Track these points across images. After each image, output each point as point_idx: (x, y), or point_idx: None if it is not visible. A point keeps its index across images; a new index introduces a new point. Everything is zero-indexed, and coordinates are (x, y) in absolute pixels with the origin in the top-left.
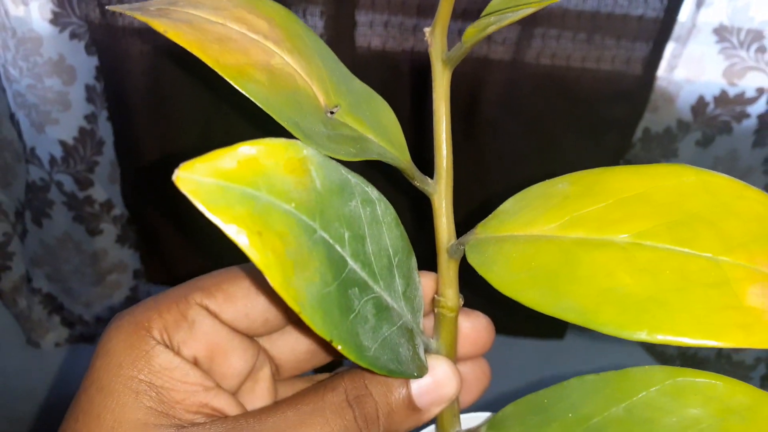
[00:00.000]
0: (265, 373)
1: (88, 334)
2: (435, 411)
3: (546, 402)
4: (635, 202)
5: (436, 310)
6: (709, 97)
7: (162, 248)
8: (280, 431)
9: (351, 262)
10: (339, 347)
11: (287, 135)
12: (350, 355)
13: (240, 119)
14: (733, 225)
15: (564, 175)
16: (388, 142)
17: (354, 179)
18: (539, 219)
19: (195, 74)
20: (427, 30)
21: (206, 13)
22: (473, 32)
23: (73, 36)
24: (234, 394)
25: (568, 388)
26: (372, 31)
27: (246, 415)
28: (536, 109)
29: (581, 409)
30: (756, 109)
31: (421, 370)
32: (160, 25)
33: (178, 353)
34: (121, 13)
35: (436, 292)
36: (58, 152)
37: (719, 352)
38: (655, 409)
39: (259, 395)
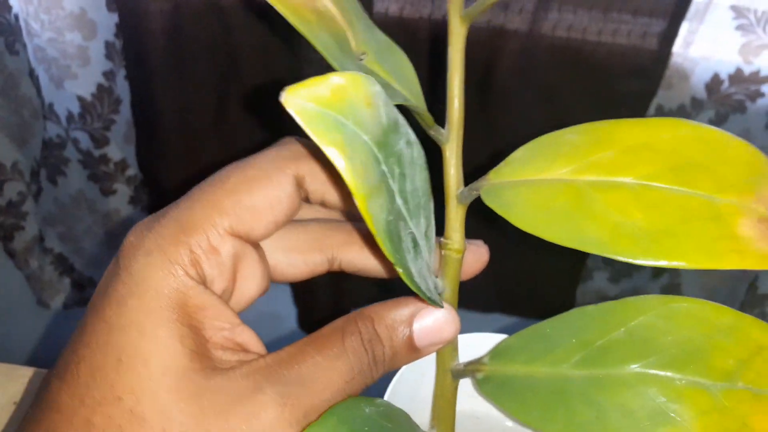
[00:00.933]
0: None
1: None
2: (433, 350)
3: (549, 331)
4: (639, 150)
5: (443, 252)
6: (724, 75)
7: None
8: (315, 377)
9: (397, 198)
10: (400, 270)
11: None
12: (406, 279)
13: (255, 81)
14: (724, 169)
15: (571, 127)
16: (408, 91)
17: (401, 119)
18: (552, 165)
19: (212, 35)
20: None
21: None
22: None
23: None
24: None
25: (569, 318)
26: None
27: (278, 359)
28: (550, 81)
29: (584, 335)
30: None
31: (440, 304)
32: None
33: (211, 290)
34: None
35: (443, 236)
36: (75, 108)
37: None
38: (653, 330)
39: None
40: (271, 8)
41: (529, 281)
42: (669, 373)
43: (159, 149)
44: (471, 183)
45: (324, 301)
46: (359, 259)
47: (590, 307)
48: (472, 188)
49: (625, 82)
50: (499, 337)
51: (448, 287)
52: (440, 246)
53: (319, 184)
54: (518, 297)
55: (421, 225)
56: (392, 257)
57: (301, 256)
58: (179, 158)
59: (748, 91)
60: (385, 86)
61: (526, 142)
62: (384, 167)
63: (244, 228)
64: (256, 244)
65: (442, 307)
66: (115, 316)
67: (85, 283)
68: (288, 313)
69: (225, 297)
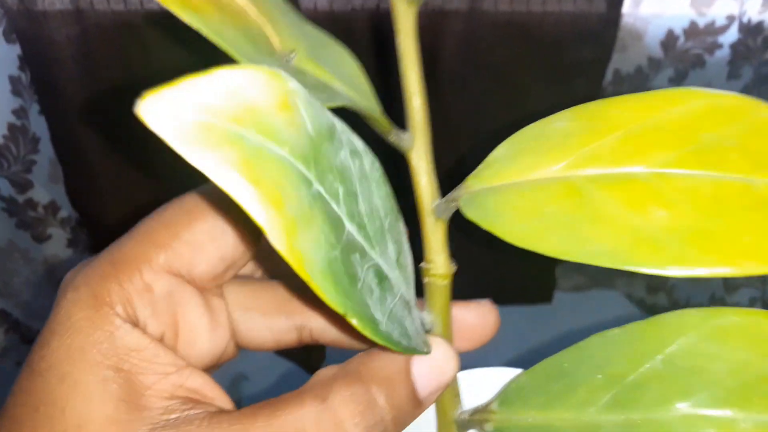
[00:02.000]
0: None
1: None
2: (434, 398)
3: (566, 366)
4: (647, 133)
5: (426, 280)
6: (678, 31)
7: None
8: None
9: (347, 223)
10: (354, 321)
11: None
12: (365, 330)
13: None
14: (756, 143)
15: (559, 112)
16: (354, 90)
17: (339, 124)
18: (541, 161)
19: (129, 57)
20: None
21: None
22: None
23: None
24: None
25: (589, 348)
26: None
27: (221, 419)
28: (499, 60)
29: (610, 368)
30: (727, 38)
31: (427, 345)
32: None
33: (144, 331)
34: None
35: (424, 260)
36: None
37: (712, 296)
38: (698, 356)
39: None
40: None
41: (504, 267)
42: (728, 412)
43: (91, 185)
44: (448, 193)
45: None
46: (333, 328)
47: (614, 331)
48: (449, 199)
49: (577, 51)
50: (506, 372)
51: (438, 320)
52: (422, 273)
53: None
54: (495, 285)
55: (390, 252)
56: (339, 304)
57: (263, 320)
58: (115, 191)
59: (705, 44)
60: (322, 87)
61: (482, 130)
62: (318, 187)
63: (183, 264)
64: (205, 288)
65: (426, 353)
66: (38, 359)
67: (34, 336)
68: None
69: (168, 342)
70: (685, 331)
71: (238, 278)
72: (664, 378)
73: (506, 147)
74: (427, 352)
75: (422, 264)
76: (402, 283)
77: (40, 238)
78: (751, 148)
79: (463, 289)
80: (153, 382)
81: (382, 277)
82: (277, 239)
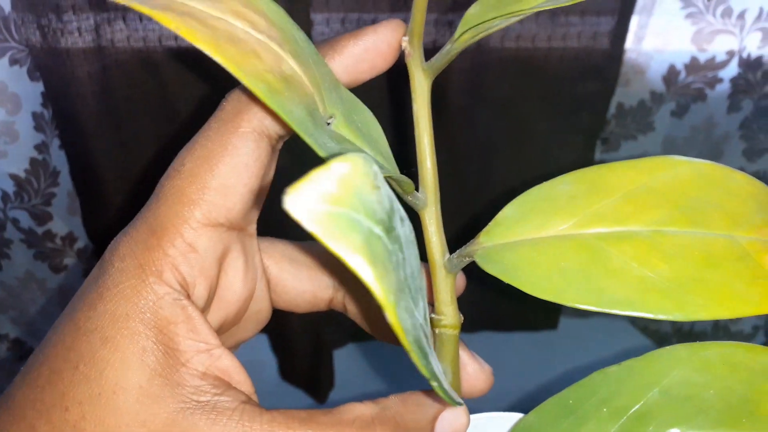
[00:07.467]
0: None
1: None
2: None
3: (571, 402)
4: (641, 195)
5: (437, 331)
6: (680, 66)
7: None
8: None
9: (406, 289)
10: (434, 384)
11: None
12: (440, 392)
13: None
14: (733, 205)
15: (561, 176)
16: (380, 155)
17: (392, 194)
18: (551, 220)
19: (147, 93)
20: (404, 40)
21: (205, 5)
22: (457, 45)
23: (14, 62)
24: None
25: (591, 385)
26: (329, 29)
27: (267, 418)
28: (505, 94)
29: (614, 401)
30: (728, 72)
31: (456, 397)
32: (168, 20)
33: (191, 294)
34: (62, 34)
35: (433, 312)
36: (9, 187)
37: (716, 324)
38: (690, 385)
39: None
40: (204, 57)
41: (510, 294)
42: None
43: (107, 216)
44: (457, 247)
45: (302, 349)
46: (360, 304)
47: (612, 368)
48: (462, 254)
49: (581, 85)
50: (510, 417)
51: (449, 369)
52: (432, 324)
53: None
54: (501, 312)
55: (421, 308)
56: (425, 371)
57: (306, 272)
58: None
59: (706, 79)
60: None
61: (488, 163)
62: (394, 258)
63: (220, 213)
64: (240, 228)
65: (461, 404)
66: (84, 319)
67: None
68: (270, 359)
69: (210, 296)
70: (676, 364)
71: (284, 241)
72: (662, 407)
73: (514, 207)
74: (461, 404)
75: (432, 315)
76: (430, 337)
77: (57, 269)
78: (730, 209)
79: (469, 315)
80: (188, 358)
81: (427, 337)
82: (391, 315)
